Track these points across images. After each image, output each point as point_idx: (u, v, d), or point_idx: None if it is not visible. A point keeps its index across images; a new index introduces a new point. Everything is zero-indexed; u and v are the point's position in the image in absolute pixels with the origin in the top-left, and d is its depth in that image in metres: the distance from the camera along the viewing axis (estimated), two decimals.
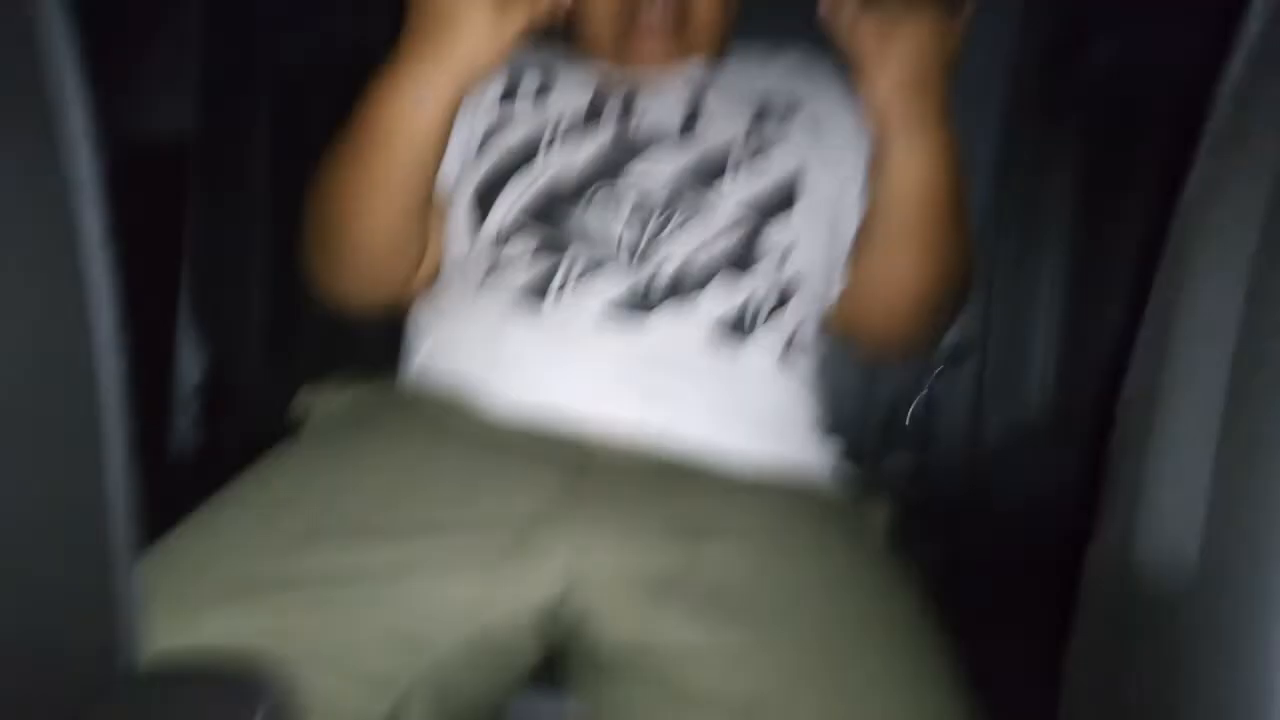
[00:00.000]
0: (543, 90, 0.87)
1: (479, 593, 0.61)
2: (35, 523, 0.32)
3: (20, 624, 0.31)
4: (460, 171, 0.86)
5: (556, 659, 0.66)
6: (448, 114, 0.77)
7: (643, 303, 0.77)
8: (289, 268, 0.94)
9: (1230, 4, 0.34)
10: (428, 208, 0.83)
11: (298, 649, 0.54)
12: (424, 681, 0.59)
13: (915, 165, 0.80)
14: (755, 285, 0.80)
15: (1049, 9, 1.04)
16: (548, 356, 0.75)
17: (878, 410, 1.06)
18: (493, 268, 0.80)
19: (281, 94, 1.13)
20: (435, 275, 0.88)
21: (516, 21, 0.74)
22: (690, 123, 0.85)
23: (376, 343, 0.95)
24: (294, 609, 0.57)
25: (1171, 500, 0.32)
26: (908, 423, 1.05)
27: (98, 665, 0.35)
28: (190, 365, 1.17)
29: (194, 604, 0.56)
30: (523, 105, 0.86)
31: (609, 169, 0.81)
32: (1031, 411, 1.06)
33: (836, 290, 0.90)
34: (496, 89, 0.87)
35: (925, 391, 1.04)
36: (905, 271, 0.85)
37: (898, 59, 0.78)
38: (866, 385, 1.06)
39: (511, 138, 0.84)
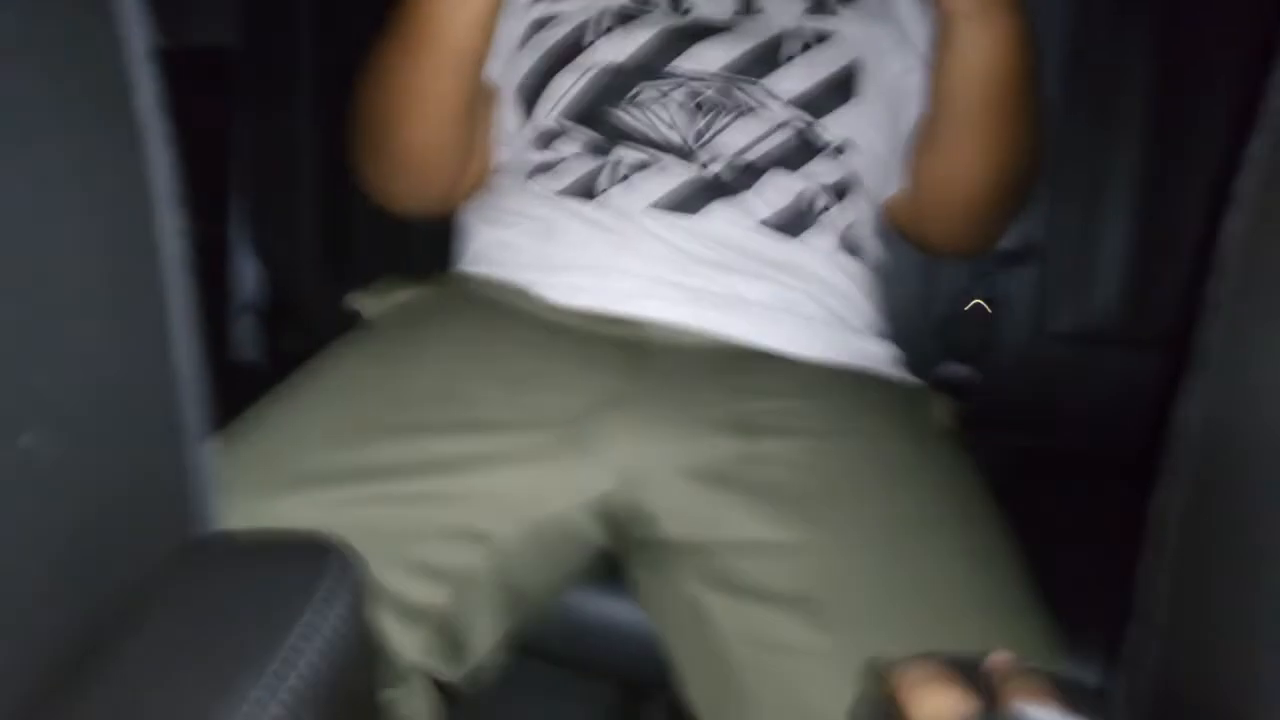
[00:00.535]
0: None
1: (537, 484, 0.61)
2: (111, 399, 0.33)
3: (98, 494, 0.32)
4: (504, 68, 0.83)
5: (615, 551, 0.67)
6: (490, 11, 0.75)
7: (693, 200, 0.74)
8: (339, 174, 0.93)
9: None
10: (473, 108, 0.81)
11: (361, 540, 0.55)
12: (485, 572, 0.60)
13: (984, 50, 0.75)
14: (809, 181, 0.77)
15: None
16: (599, 253, 0.74)
17: (937, 311, 1.02)
18: (540, 167, 0.79)
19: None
20: (484, 175, 0.86)
21: None
22: (742, 11, 0.81)
23: (429, 243, 0.95)
24: (357, 501, 0.58)
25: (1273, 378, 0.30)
26: (968, 324, 1.02)
27: (171, 534, 0.36)
28: (245, 276, 1.19)
29: (256, 494, 0.57)
30: (565, 2, 0.82)
31: (657, 61, 0.78)
32: (1097, 315, 1.02)
33: (896, 184, 0.87)
34: None
35: (987, 292, 1.00)
36: (970, 165, 0.81)
37: None
38: (925, 286, 1.03)
39: (556, 32, 0.80)
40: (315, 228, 1.14)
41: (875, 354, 0.78)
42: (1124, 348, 1.03)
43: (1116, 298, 1.02)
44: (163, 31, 1.08)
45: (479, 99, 0.81)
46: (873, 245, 0.84)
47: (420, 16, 0.75)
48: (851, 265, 0.79)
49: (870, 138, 0.81)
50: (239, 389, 0.60)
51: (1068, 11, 0.97)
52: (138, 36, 0.32)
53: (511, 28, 0.83)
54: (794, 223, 0.76)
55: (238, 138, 1.15)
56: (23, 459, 0.28)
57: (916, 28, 0.83)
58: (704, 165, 0.75)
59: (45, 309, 0.29)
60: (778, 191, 0.76)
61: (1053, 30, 0.98)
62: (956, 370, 1.03)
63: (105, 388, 0.32)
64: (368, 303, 0.79)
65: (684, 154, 0.76)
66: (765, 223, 0.75)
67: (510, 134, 0.83)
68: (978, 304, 1.01)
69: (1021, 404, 1.04)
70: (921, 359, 0.92)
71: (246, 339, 1.19)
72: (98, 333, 0.32)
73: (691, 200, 0.74)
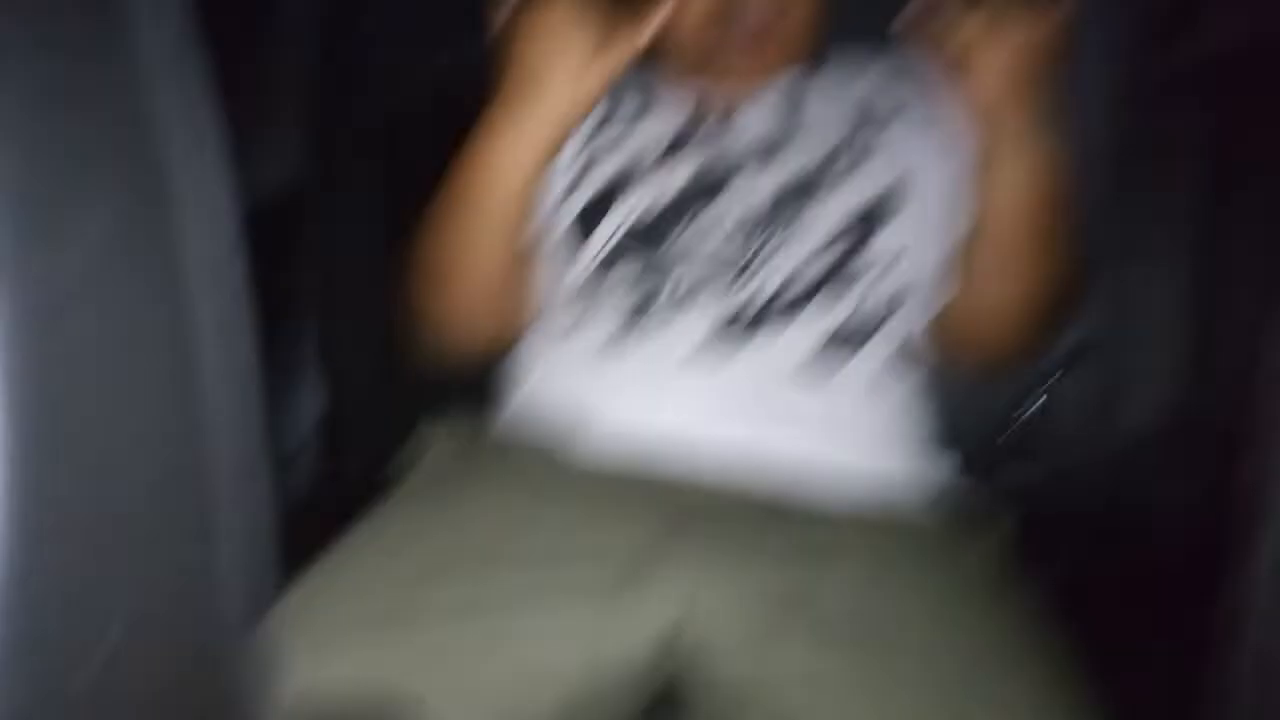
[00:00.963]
0: (639, 113, 0.87)
1: (596, 624, 0.62)
2: (158, 591, 0.33)
3: (148, 684, 0.32)
4: (559, 201, 0.87)
5: (675, 692, 0.66)
6: (544, 161, 0.78)
7: (747, 322, 0.76)
8: (404, 307, 0.96)
9: None
10: (530, 252, 0.84)
11: (428, 685, 0.56)
12: (547, 714, 0.59)
13: (1022, 173, 0.76)
14: (862, 298, 0.78)
15: None
16: (649, 386, 0.76)
17: (992, 419, 1.01)
18: (593, 296, 0.81)
19: (392, 138, 1.16)
20: (538, 312, 0.89)
21: (611, 66, 0.74)
22: (788, 135, 0.85)
23: (486, 380, 0.97)
24: (421, 645, 0.59)
25: None
26: (1024, 431, 1.01)
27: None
28: (309, 405, 1.22)
29: (327, 642, 0.58)
30: (620, 130, 0.86)
31: (708, 188, 0.81)
32: (1160, 412, 1.00)
33: (948, 296, 0.87)
34: (594, 115, 0.88)
35: (1043, 397, 0.99)
36: (1012, 283, 0.81)
37: (1000, 62, 0.73)
38: (979, 393, 1.02)
39: (610, 165, 0.85)
40: (381, 359, 1.16)
41: (929, 474, 0.78)
42: (1187, 446, 0.99)
43: (1179, 394, 0.99)
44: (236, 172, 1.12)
45: (534, 243, 0.85)
46: (926, 355, 0.85)
47: (477, 170, 0.78)
48: (905, 379, 0.80)
49: (924, 248, 0.82)
50: (300, 521, 0.62)
51: (1114, 101, 0.97)
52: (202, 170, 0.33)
53: (567, 158, 0.86)
54: (847, 340, 0.77)
55: (309, 269, 1.19)
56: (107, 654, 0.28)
57: (962, 143, 0.85)
58: (760, 284, 0.78)
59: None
60: (832, 308, 0.77)
61: (1098, 126, 0.99)
62: (1013, 474, 1.01)
63: (149, 584, 0.32)
64: (424, 447, 0.81)
65: (738, 273, 0.78)
66: (819, 343, 0.76)
67: (562, 265, 0.86)
68: (1034, 406, 1.00)
69: (1082, 509, 1.01)
70: (977, 465, 0.90)
71: (307, 468, 1.21)
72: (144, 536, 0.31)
73: (745, 322, 0.76)
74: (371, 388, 1.19)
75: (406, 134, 1.15)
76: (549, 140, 0.77)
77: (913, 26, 0.75)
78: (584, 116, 0.77)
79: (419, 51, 1.15)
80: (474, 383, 0.97)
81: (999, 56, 0.72)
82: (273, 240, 1.18)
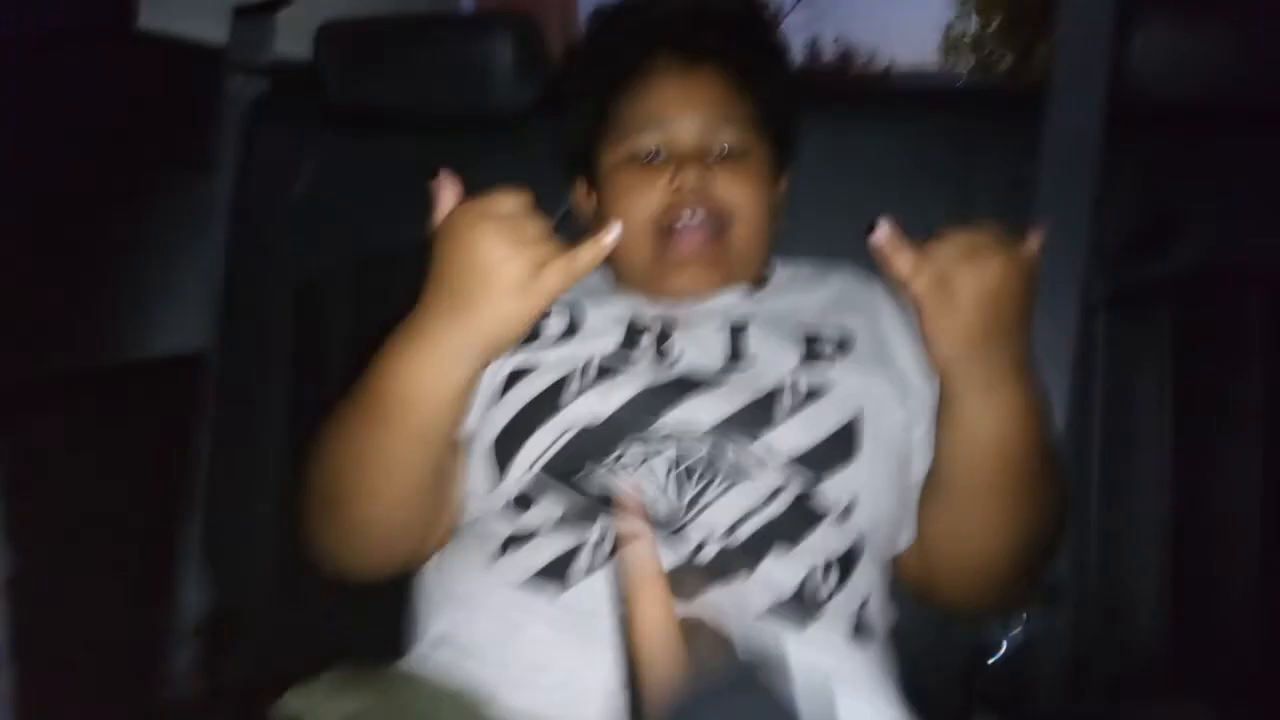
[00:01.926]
0: (570, 330, 0.78)
1: None
2: None
3: None
4: (478, 422, 0.76)
5: None
6: (469, 381, 0.67)
7: (687, 588, 0.65)
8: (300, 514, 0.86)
9: None
10: (441, 478, 0.73)
11: None
12: None
13: (989, 424, 0.68)
14: (815, 553, 0.68)
15: (1129, 199, 0.95)
16: (567, 660, 0.64)
17: (963, 661, 0.91)
18: (510, 541, 0.70)
19: (302, 312, 1.08)
20: (449, 535, 0.77)
21: (551, 289, 0.63)
22: (732, 362, 0.76)
23: (389, 613, 0.85)
24: None
25: None
26: (997, 673, 0.91)
27: None
28: (193, 599, 1.09)
29: None
30: (548, 348, 0.77)
31: (642, 419, 0.71)
32: (1141, 659, 0.92)
33: (907, 539, 0.78)
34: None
35: (1017, 640, 0.89)
36: (981, 534, 0.73)
37: (965, 311, 0.63)
38: (949, 635, 0.92)
39: (535, 384, 0.74)
40: (274, 553, 1.05)
41: None
42: (1169, 694, 0.91)
43: (1162, 638, 0.91)
44: (136, 340, 1.05)
45: (448, 463, 0.74)
46: (886, 612, 0.75)
47: (390, 386, 0.67)
48: (860, 654, 0.69)
49: (877, 496, 0.73)
50: None
51: (1076, 343, 0.92)
52: None
53: (489, 376, 0.76)
54: (803, 602, 0.67)
55: (200, 448, 1.09)
56: None
57: (918, 379, 0.78)
58: (695, 546, 0.67)
59: None
60: (782, 567, 0.67)
61: (1066, 343, 0.93)
62: None
63: None
64: (309, 705, 0.67)
65: (672, 530, 0.67)
66: (770, 608, 0.66)
67: (480, 494, 0.75)
68: (1006, 651, 0.90)
69: None
70: (946, 712, 0.81)
71: (187, 667, 1.07)
72: None
73: (680, 592, 0.65)
74: (264, 582, 1.06)
75: (322, 303, 1.08)
76: (476, 359, 0.66)
77: (878, 257, 0.67)
78: (517, 337, 0.68)
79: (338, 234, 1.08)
80: (376, 614, 0.85)
81: (960, 310, 0.63)
82: (165, 409, 1.08)
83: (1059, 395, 0.91)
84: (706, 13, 0.84)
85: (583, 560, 0.67)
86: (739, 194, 0.79)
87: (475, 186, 1.06)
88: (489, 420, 0.75)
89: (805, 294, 0.84)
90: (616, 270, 0.84)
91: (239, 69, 1.15)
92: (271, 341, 1.08)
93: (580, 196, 0.91)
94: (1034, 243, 0.67)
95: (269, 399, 1.07)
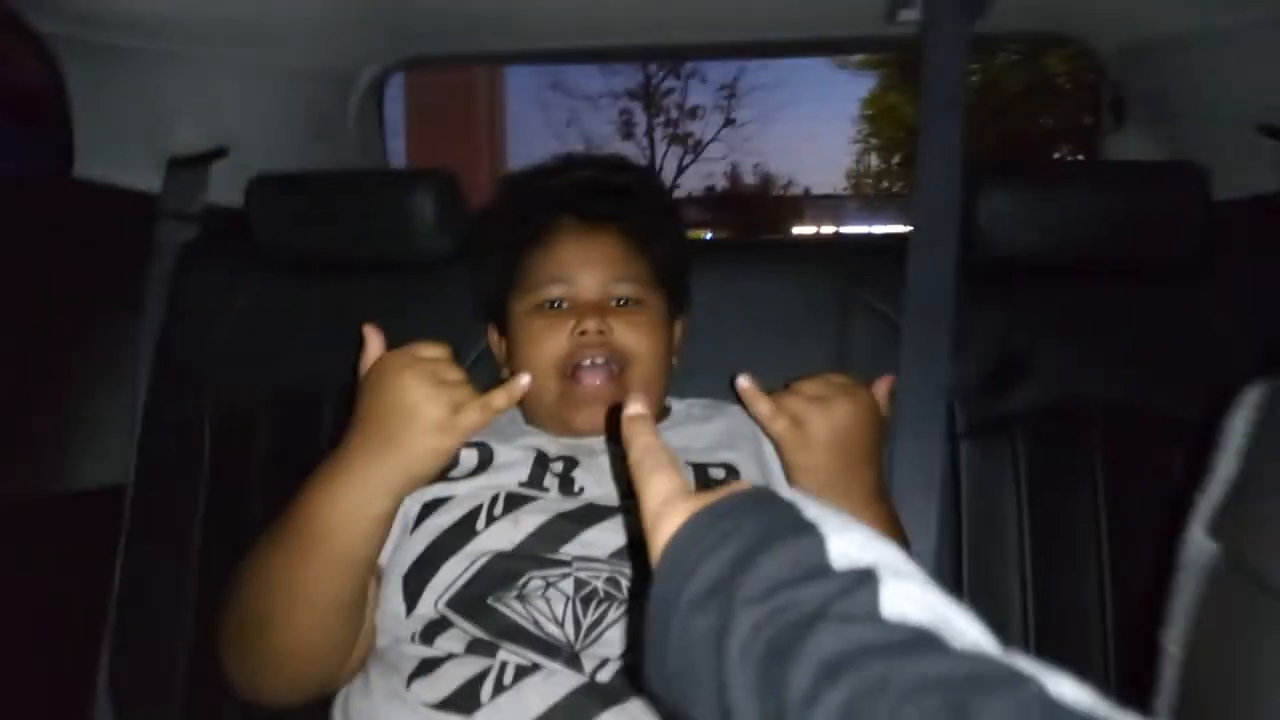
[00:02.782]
0: (481, 464, 0.84)
1: None
2: None
3: None
4: (393, 551, 0.81)
5: None
6: (389, 514, 0.74)
7: (585, 709, 0.69)
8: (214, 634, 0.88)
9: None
10: (360, 605, 0.78)
11: None
12: None
13: None
14: None
15: (984, 342, 1.07)
16: None
17: None
18: (420, 668, 0.74)
19: (221, 446, 1.11)
20: (362, 659, 0.80)
21: (468, 425, 0.71)
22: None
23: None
24: None
25: None
26: None
27: None
28: None
29: None
30: (460, 480, 0.83)
31: (547, 547, 0.77)
32: None
33: None
34: None
35: None
36: None
37: (818, 449, 0.75)
38: None
39: (446, 516, 0.79)
40: (184, 682, 1.05)
41: None
42: None
43: None
44: (57, 472, 1.07)
45: (366, 590, 0.78)
46: None
47: (310, 518, 0.73)
48: None
49: None
50: None
51: (943, 469, 1.02)
52: None
53: (403, 509, 0.81)
54: None
55: (120, 580, 1.09)
56: None
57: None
58: (592, 670, 0.71)
59: None
60: None
61: (931, 464, 1.02)
62: None
63: None
64: None
65: (570, 656, 0.72)
66: None
67: (393, 620, 0.79)
68: None
69: None
70: None
71: None
72: None
73: (583, 709, 0.69)
74: (174, 711, 1.05)
75: (236, 449, 1.11)
76: (396, 491, 0.72)
77: (745, 397, 0.77)
78: (436, 471, 0.74)
79: (261, 371, 1.14)
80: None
81: (817, 448, 0.75)
82: (78, 545, 1.09)
83: (930, 514, 0.99)
84: (605, 183, 0.95)
85: (486, 688, 0.70)
86: (635, 339, 0.87)
87: (396, 327, 1.14)
88: (403, 550, 0.79)
89: (697, 430, 0.91)
90: (525, 409, 0.91)
91: (172, 215, 1.21)
92: (190, 474, 1.10)
93: (493, 339, 0.99)
94: (881, 387, 0.78)
95: (186, 530, 1.08)
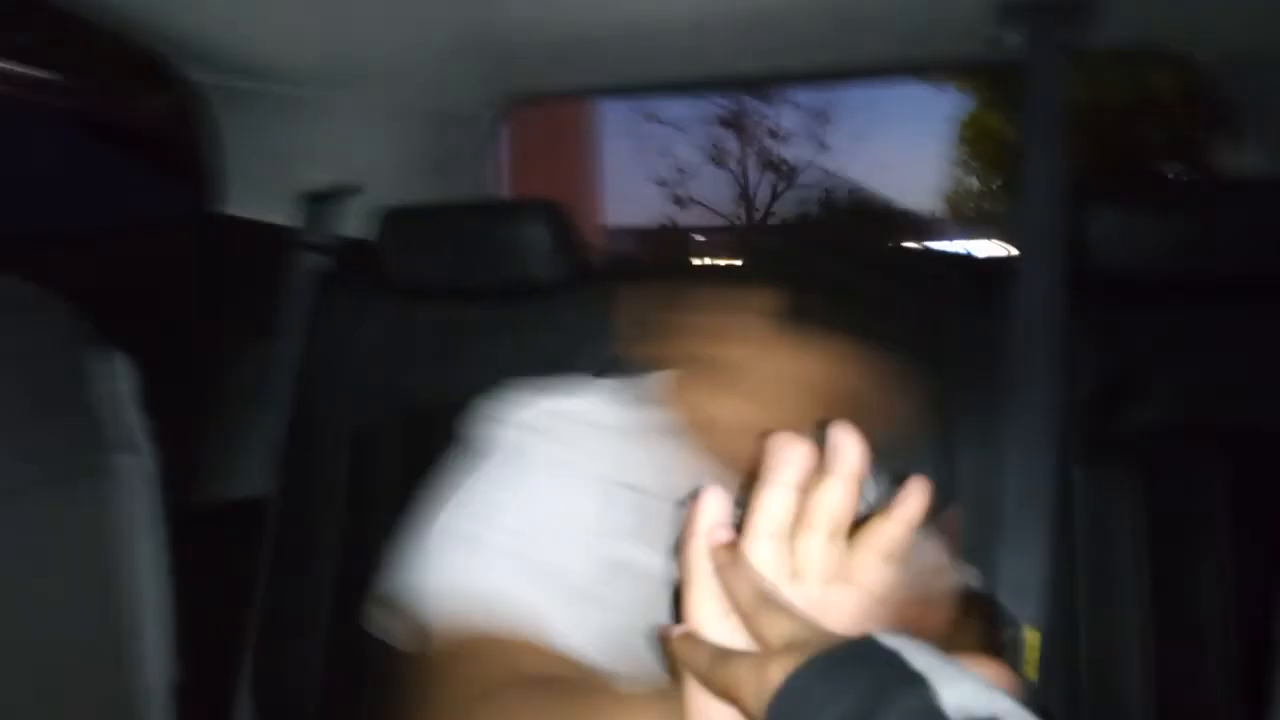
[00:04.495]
0: None
1: None
2: None
3: None
4: None
5: None
6: None
7: None
8: (351, 632, 0.94)
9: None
10: None
11: None
12: None
13: None
14: None
15: (1094, 363, 1.06)
16: None
17: None
18: None
19: (354, 460, 1.19)
20: None
21: None
22: None
23: None
24: None
25: None
26: None
27: None
28: None
29: None
30: None
31: None
32: None
33: None
34: None
35: None
36: None
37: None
38: None
39: None
40: (320, 683, 1.12)
41: None
42: None
43: None
44: (210, 485, 1.17)
45: None
46: None
47: None
48: None
49: None
50: None
51: (1055, 494, 1.01)
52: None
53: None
54: None
55: (260, 586, 1.18)
56: None
57: None
58: None
59: None
60: None
61: (1044, 511, 1.01)
62: None
63: None
64: None
65: None
66: None
67: None
68: None
69: None
70: None
71: None
72: None
73: None
74: (313, 710, 1.13)
75: (369, 465, 1.19)
76: None
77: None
78: None
79: (391, 391, 1.21)
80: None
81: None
82: (225, 553, 1.18)
83: (1041, 542, 0.99)
84: None
85: None
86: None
87: (514, 348, 1.21)
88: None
89: None
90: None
91: (308, 247, 1.31)
92: (328, 488, 1.19)
93: None
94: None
95: (323, 541, 1.17)
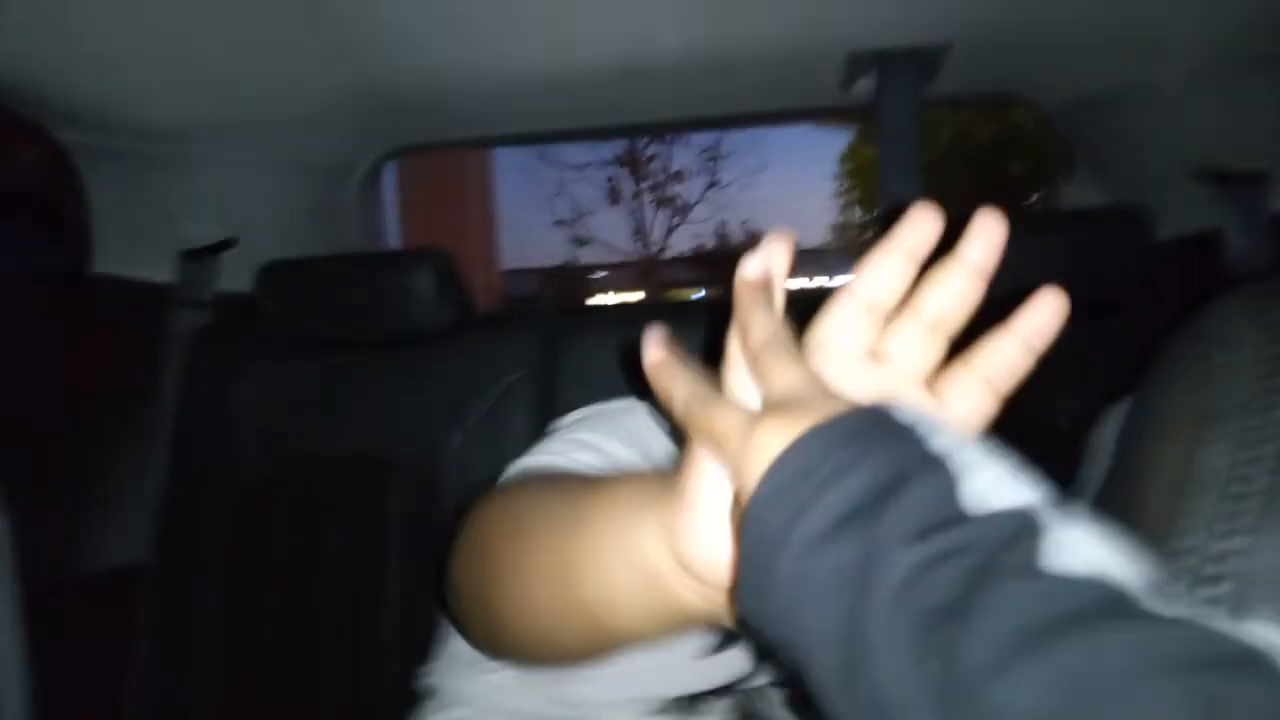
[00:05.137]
0: None
1: None
2: None
3: None
4: None
5: None
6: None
7: None
8: (238, 699, 0.92)
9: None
10: None
11: None
12: None
13: None
14: None
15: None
16: None
17: None
18: None
19: (235, 521, 1.17)
20: None
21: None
22: None
23: None
24: None
25: None
26: None
27: None
28: None
29: None
30: None
31: None
32: None
33: None
34: None
35: None
36: None
37: None
38: None
39: None
40: None
41: None
42: None
43: None
44: (79, 554, 1.12)
45: None
46: None
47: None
48: None
49: None
50: None
51: None
52: None
53: None
54: None
55: (138, 657, 1.14)
56: None
57: None
58: None
59: None
60: None
61: None
62: None
63: None
64: None
65: None
66: None
67: None
68: None
69: None
70: None
71: None
72: None
73: None
74: None
75: (244, 521, 1.17)
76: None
77: None
78: None
79: (274, 446, 1.19)
80: None
81: None
82: (106, 618, 1.13)
83: None
84: None
85: None
86: None
87: (398, 395, 1.21)
88: None
89: None
90: None
91: (185, 303, 1.29)
92: (207, 551, 1.16)
93: None
94: None
95: (205, 608, 1.13)
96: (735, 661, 0.64)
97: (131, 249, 1.30)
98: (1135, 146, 1.33)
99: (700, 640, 0.63)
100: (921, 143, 1.23)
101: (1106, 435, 0.35)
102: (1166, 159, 1.28)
